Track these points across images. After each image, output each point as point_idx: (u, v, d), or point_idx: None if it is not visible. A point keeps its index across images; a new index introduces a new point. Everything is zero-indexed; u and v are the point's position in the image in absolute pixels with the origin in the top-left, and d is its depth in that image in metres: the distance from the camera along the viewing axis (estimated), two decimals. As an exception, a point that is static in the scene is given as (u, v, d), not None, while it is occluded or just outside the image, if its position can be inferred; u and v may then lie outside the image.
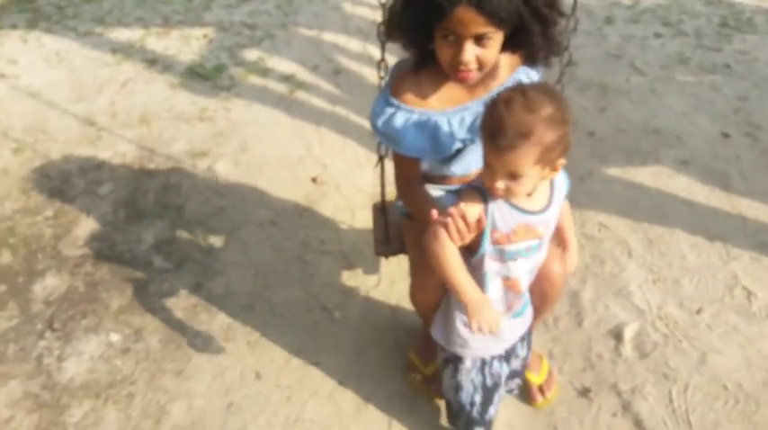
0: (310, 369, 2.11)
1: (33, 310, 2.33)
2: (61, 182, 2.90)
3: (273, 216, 2.69)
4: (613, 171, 2.90)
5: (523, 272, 1.49)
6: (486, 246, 1.42)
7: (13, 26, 4.25)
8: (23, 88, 3.57)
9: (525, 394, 1.98)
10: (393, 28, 1.48)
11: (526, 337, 1.78)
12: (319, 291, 2.35)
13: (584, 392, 2.02)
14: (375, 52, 3.99)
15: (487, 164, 1.33)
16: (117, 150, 3.09)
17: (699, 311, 2.27)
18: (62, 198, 2.80)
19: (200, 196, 2.80)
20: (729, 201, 2.73)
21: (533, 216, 1.41)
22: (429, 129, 1.54)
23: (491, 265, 1.45)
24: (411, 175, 1.66)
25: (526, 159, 1.26)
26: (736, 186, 2.80)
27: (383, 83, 1.63)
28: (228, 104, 3.42)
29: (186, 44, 4.02)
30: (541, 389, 1.97)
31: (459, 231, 1.33)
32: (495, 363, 1.68)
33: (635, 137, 3.11)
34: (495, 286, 1.49)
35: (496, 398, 1.70)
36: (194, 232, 2.61)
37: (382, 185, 2.05)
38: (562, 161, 1.35)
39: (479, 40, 1.37)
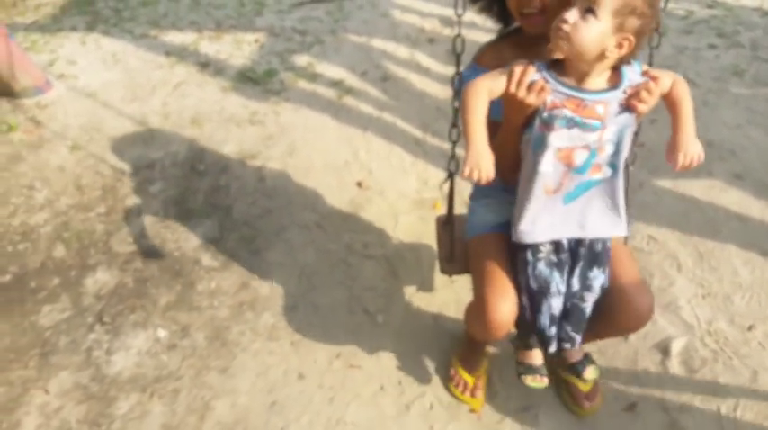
0: (353, 371, 2.13)
1: (84, 304, 2.40)
2: (114, 180, 2.99)
3: (319, 219, 2.72)
4: (664, 183, 2.84)
5: (578, 143, 1.42)
6: (541, 114, 1.41)
7: (73, 28, 4.41)
8: (81, 88, 3.70)
9: (571, 402, 1.97)
10: None
11: (596, 267, 1.57)
12: (362, 295, 2.37)
13: (630, 407, 1.98)
14: (423, 59, 4.04)
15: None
16: (169, 150, 3.18)
17: (750, 328, 2.20)
18: (114, 195, 2.89)
19: (249, 197, 2.85)
20: (785, 217, 2.65)
21: (587, 94, 1.39)
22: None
23: (542, 134, 1.42)
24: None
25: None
26: (793, 202, 2.72)
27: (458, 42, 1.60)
28: (278, 108, 3.48)
29: (238, 48, 4.10)
30: (588, 397, 1.95)
31: (519, 83, 1.36)
32: (541, 266, 1.55)
33: (687, 149, 3.04)
34: (546, 158, 1.43)
35: (545, 307, 1.56)
36: (242, 232, 2.66)
37: (450, 200, 1.90)
38: (630, 40, 1.31)
39: None
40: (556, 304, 1.56)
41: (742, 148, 3.03)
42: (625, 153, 1.47)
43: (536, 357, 1.72)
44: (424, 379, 2.10)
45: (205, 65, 3.92)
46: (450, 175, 1.83)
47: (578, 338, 1.63)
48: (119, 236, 2.69)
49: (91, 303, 2.41)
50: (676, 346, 2.15)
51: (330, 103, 3.51)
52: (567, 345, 1.63)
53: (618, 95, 1.40)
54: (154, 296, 2.43)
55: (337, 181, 2.94)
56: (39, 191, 2.94)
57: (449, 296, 2.36)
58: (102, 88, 3.71)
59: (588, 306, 1.59)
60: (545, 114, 1.41)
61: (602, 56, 1.34)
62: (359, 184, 2.92)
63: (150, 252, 2.60)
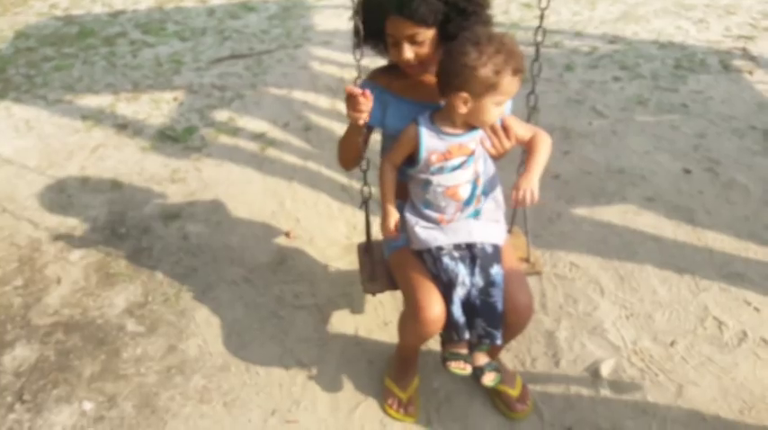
0: (290, 427, 2.07)
1: (2, 382, 2.27)
2: (31, 250, 2.87)
3: (246, 273, 2.68)
4: (581, 211, 2.95)
5: (461, 181, 1.75)
6: (424, 162, 1.73)
7: (-17, 98, 4.27)
8: (-8, 158, 3.56)
9: (505, 409, 2.06)
10: (359, 40, 1.71)
11: (495, 264, 1.78)
12: (295, 347, 2.33)
13: (566, 433, 2.01)
14: (344, 108, 4.08)
15: (496, 92, 1.61)
16: (88, 215, 3.08)
17: (672, 344, 2.29)
18: (32, 266, 2.77)
19: (172, 257, 2.78)
20: (695, 234, 2.79)
21: (462, 137, 1.72)
22: (383, 103, 1.82)
23: (430, 178, 1.75)
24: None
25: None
26: (701, 220, 2.87)
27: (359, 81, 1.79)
28: (200, 165, 3.45)
29: (156, 108, 4.07)
30: (519, 401, 2.06)
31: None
32: (446, 260, 1.77)
33: (600, 177, 3.18)
34: (435, 195, 1.77)
35: (455, 297, 1.74)
36: (167, 294, 2.59)
37: (367, 225, 2.07)
38: (464, 96, 1.61)
39: (413, 39, 1.66)
40: (462, 292, 1.74)
41: (651, 173, 3.20)
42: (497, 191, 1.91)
43: (462, 347, 1.82)
44: (362, 426, 2.07)
45: (123, 126, 3.86)
46: (365, 201, 1.99)
47: (497, 334, 1.75)
48: (38, 308, 2.57)
49: (9, 381, 2.27)
50: (605, 368, 2.20)
51: (253, 156, 3.51)
52: (487, 341, 1.76)
53: (481, 134, 1.74)
54: (77, 368, 2.31)
55: (264, 233, 2.92)
56: (-53, 268, 2.79)
57: (383, 338, 2.35)
58: (16, 156, 3.59)
59: (497, 301, 1.74)
60: (433, 167, 1.73)
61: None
62: (287, 234, 2.90)
63: (72, 322, 2.49)
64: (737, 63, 4.27)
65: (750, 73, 4.14)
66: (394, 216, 1.84)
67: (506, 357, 2.25)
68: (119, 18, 5.69)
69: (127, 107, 4.08)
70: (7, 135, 3.81)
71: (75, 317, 2.51)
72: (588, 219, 2.90)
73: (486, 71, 1.56)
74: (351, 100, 1.67)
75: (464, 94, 1.61)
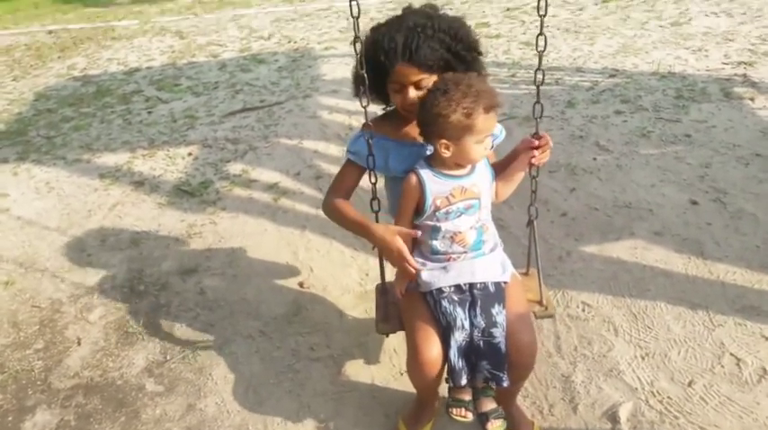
0: (308, 483, 2.08)
1: (25, 449, 2.31)
2: (52, 311, 2.94)
3: (262, 326, 2.72)
4: (590, 249, 2.97)
5: (467, 227, 1.83)
6: (429, 208, 1.78)
7: (4, 160, 4.43)
8: (14, 220, 3.67)
9: None
10: (360, 89, 1.79)
11: (496, 304, 1.81)
12: (312, 401, 2.35)
13: (586, 480, 2.00)
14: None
15: (475, 132, 1.69)
16: (107, 274, 3.16)
17: (691, 384, 2.27)
18: (53, 328, 2.84)
19: (190, 313, 2.84)
20: (706, 267, 2.80)
21: (463, 179, 1.79)
22: (384, 150, 1.90)
23: (438, 224, 1.82)
24: (348, 186, 2.04)
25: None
26: (711, 252, 2.87)
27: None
28: (215, 218, 3.53)
29: (172, 163, 4.18)
30: None
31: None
32: (445, 303, 1.80)
33: (607, 213, 3.21)
34: (442, 242, 1.84)
35: (452, 341, 1.76)
36: (185, 351, 2.63)
37: (381, 268, 2.14)
38: (444, 142, 1.71)
39: (418, 85, 1.77)
40: (461, 337, 1.77)
41: (658, 206, 3.22)
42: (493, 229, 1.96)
43: (465, 394, 1.84)
44: (381, 480, 2.08)
45: (140, 183, 3.96)
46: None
47: (502, 376, 1.78)
48: (58, 371, 2.62)
49: (31, 448, 2.31)
50: (623, 412, 2.19)
51: (267, 207, 3.59)
52: (493, 384, 1.79)
53: (483, 174, 1.83)
54: (98, 431, 2.35)
55: (279, 284, 2.97)
56: (-28, 333, 2.86)
57: (399, 389, 2.37)
58: (37, 217, 3.70)
59: (500, 341, 1.77)
60: (439, 213, 1.80)
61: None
62: (300, 285, 2.95)
63: (92, 384, 2.53)
64: (738, 90, 4.31)
65: (752, 99, 4.18)
66: (391, 236, 1.83)
67: (524, 404, 2.24)
68: (134, 76, 5.89)
69: (143, 164, 4.20)
70: (28, 197, 3.93)
71: (95, 378, 2.55)
72: (598, 257, 2.92)
73: (457, 116, 1.65)
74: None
75: (444, 141, 1.71)
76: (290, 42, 6.71)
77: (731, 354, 2.37)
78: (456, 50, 1.78)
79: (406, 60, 1.74)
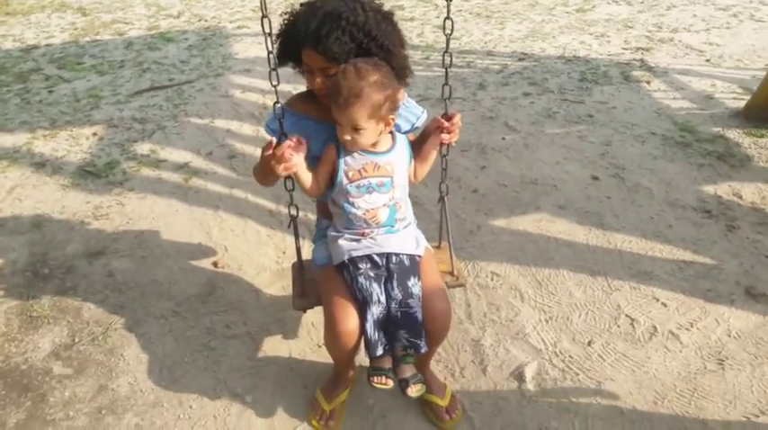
0: (225, 457, 2.08)
1: None
2: (-55, 299, 2.76)
3: (175, 306, 2.67)
4: (499, 223, 3.10)
5: (380, 204, 1.87)
6: (342, 180, 1.82)
7: None
8: None
9: (434, 418, 2.12)
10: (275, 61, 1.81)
11: (412, 277, 1.88)
12: (228, 377, 2.34)
13: (495, 437, 2.10)
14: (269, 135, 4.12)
15: (337, 121, 1.74)
16: (7, 259, 2.99)
17: (590, 343, 2.43)
18: (-53, 316, 2.67)
19: (98, 295, 2.74)
20: (606, 237, 2.98)
21: (378, 156, 1.83)
22: (305, 130, 1.89)
23: (350, 199, 1.86)
24: None
25: (360, 114, 1.69)
26: (610, 223, 3.07)
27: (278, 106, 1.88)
28: (123, 199, 3.41)
29: (76, 144, 3.99)
30: (448, 411, 2.14)
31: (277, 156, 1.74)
32: (361, 280, 1.86)
33: (515, 189, 3.35)
34: (356, 217, 1.88)
35: (369, 315, 1.82)
36: (94, 333, 2.55)
37: (297, 246, 2.15)
38: (392, 117, 1.77)
39: (325, 72, 1.77)
40: (377, 311, 1.83)
41: (562, 182, 3.39)
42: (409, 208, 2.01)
43: (384, 362, 1.88)
44: (299, 450, 2.10)
45: (41, 164, 3.76)
46: (293, 219, 2.07)
47: (420, 344, 1.85)
48: (-46, 360, 2.47)
49: (-73, 440, 2.18)
50: (529, 371, 2.32)
51: (177, 187, 3.50)
52: (412, 351, 1.86)
53: (400, 154, 1.87)
54: (1, 418, 2.24)
55: (192, 264, 2.91)
56: None
57: (318, 361, 2.39)
58: (-76, 202, 3.44)
59: (417, 311, 1.85)
60: (351, 186, 1.84)
61: (380, 132, 1.80)
62: (214, 264, 2.91)
63: (-8, 371, 2.41)
64: (636, 74, 4.59)
65: (648, 82, 4.46)
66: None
67: (437, 368, 2.33)
68: (31, 53, 5.55)
69: (44, 145, 3.99)
70: None
71: (-3, 365, 2.43)
72: (506, 230, 3.05)
73: (333, 105, 1.72)
74: (277, 155, 1.73)
75: (387, 116, 1.78)
76: (200, 21, 6.52)
77: (626, 315, 2.55)
78: (367, 47, 1.75)
79: (312, 47, 1.73)
